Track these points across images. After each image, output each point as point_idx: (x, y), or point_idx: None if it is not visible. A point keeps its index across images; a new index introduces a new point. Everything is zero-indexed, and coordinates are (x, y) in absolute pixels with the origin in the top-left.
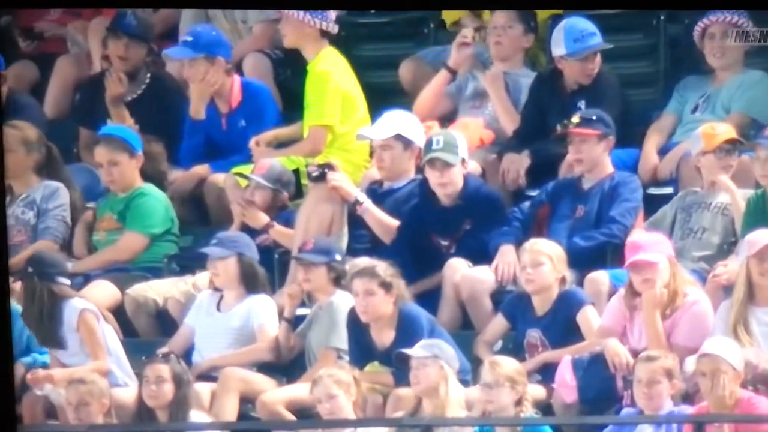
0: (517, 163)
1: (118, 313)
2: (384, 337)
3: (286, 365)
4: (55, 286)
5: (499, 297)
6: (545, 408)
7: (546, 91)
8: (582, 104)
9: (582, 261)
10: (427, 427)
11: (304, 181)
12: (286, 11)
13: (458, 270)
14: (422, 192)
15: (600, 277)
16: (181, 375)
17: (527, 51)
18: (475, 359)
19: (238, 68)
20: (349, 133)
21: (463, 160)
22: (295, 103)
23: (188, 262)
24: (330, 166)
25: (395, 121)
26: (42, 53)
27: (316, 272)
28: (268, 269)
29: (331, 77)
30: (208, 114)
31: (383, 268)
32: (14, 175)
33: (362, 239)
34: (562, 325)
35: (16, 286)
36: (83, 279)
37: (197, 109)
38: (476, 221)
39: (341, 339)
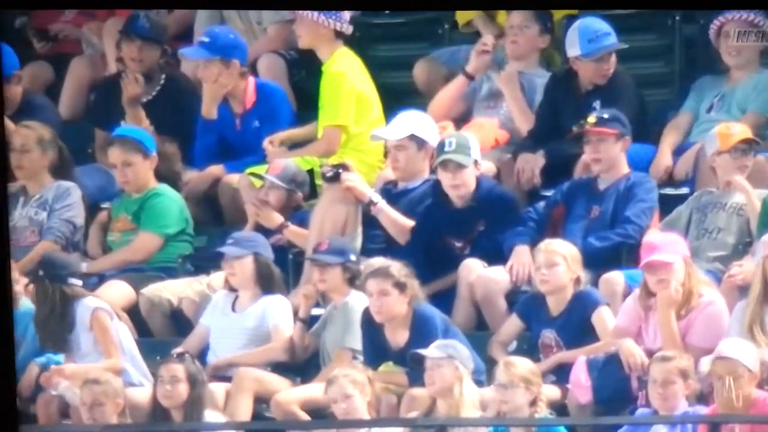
0: (532, 163)
1: (133, 313)
2: (398, 337)
3: (301, 365)
4: (67, 287)
5: (514, 297)
6: (560, 408)
7: (561, 91)
8: (597, 104)
9: (597, 261)
10: (441, 427)
11: (319, 181)
12: (300, 12)
13: (473, 270)
14: (435, 194)
15: (615, 278)
16: (195, 375)
17: (543, 51)
18: (489, 360)
19: (253, 69)
20: (363, 134)
21: (476, 162)
22: (310, 103)
23: (203, 262)
24: (344, 167)
25: (409, 121)
26: (57, 54)
27: (331, 273)
28: (282, 269)
29: (346, 78)
30: (222, 114)
31: (397, 268)
32: (29, 176)
33: (376, 239)
34: (577, 325)
35: (30, 288)
36: (98, 279)
37: (209, 110)
38: (490, 222)
39: (356, 339)
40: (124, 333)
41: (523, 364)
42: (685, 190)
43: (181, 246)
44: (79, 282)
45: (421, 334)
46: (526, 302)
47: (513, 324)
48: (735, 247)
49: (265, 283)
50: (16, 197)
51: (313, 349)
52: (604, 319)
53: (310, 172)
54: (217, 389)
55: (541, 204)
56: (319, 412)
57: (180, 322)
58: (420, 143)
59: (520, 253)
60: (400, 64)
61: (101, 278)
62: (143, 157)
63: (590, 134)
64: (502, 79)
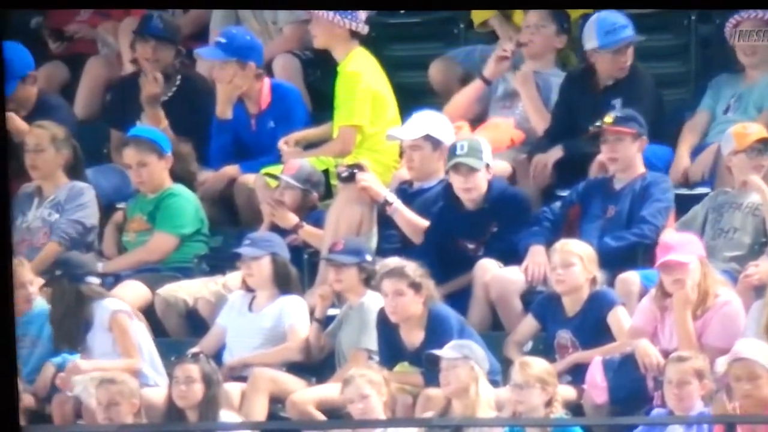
0: (547, 157)
1: (149, 313)
2: (413, 337)
3: (316, 365)
4: (84, 286)
5: (530, 298)
6: (575, 409)
7: (577, 90)
8: (617, 102)
9: (613, 261)
10: (457, 427)
11: (334, 181)
12: (316, 12)
13: (488, 270)
14: (447, 196)
15: (631, 278)
16: (210, 375)
17: (559, 52)
18: (505, 360)
19: (268, 69)
20: (378, 134)
21: (488, 165)
22: (325, 104)
23: (218, 262)
24: (359, 167)
25: (425, 121)
26: (72, 54)
27: (347, 273)
28: (298, 269)
29: (362, 77)
30: (237, 114)
31: (413, 268)
32: (44, 176)
33: (392, 239)
34: (593, 325)
35: (45, 289)
36: (114, 279)
37: (224, 110)
38: (503, 224)
39: (372, 340)
40: (142, 334)
41: (539, 365)
42: (701, 190)
43: (197, 246)
44: (97, 280)
45: (436, 334)
46: (541, 302)
47: (528, 324)
48: (751, 246)
49: (283, 284)
50: (30, 198)
51: (329, 350)
52: (619, 319)
53: (326, 172)
54: (233, 389)
55: (557, 204)
56: (334, 412)
57: (195, 323)
58: (435, 143)
59: (536, 253)
60: (416, 63)
61: (117, 278)
62: (158, 158)
63: (608, 133)
64: (518, 79)
